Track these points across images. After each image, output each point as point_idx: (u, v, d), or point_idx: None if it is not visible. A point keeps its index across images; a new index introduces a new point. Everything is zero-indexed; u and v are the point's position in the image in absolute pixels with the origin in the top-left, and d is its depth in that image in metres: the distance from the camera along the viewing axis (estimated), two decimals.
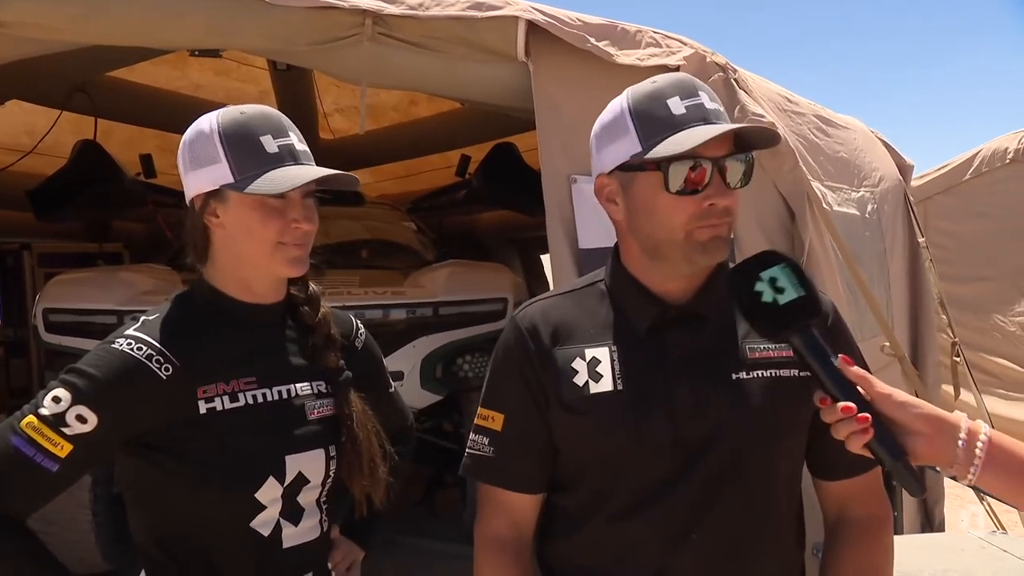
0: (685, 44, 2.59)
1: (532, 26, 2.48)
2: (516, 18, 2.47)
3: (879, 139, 3.88)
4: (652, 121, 1.17)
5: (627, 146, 1.18)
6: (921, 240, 3.80)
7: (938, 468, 0.98)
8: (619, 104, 1.22)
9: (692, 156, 1.12)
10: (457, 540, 3.89)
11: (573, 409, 1.23)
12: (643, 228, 1.20)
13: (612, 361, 1.23)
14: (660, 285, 1.22)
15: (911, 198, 3.91)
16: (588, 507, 1.26)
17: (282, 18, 2.45)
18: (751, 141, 1.19)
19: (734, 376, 1.21)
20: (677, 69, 2.50)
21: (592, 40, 2.50)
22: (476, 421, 1.31)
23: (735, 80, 2.61)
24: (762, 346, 1.22)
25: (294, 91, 5.06)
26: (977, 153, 5.54)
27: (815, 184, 2.76)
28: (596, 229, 2.49)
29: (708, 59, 2.58)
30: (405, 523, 3.97)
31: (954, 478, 0.96)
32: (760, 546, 1.22)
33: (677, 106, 1.17)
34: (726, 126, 1.14)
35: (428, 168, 5.92)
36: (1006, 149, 5.32)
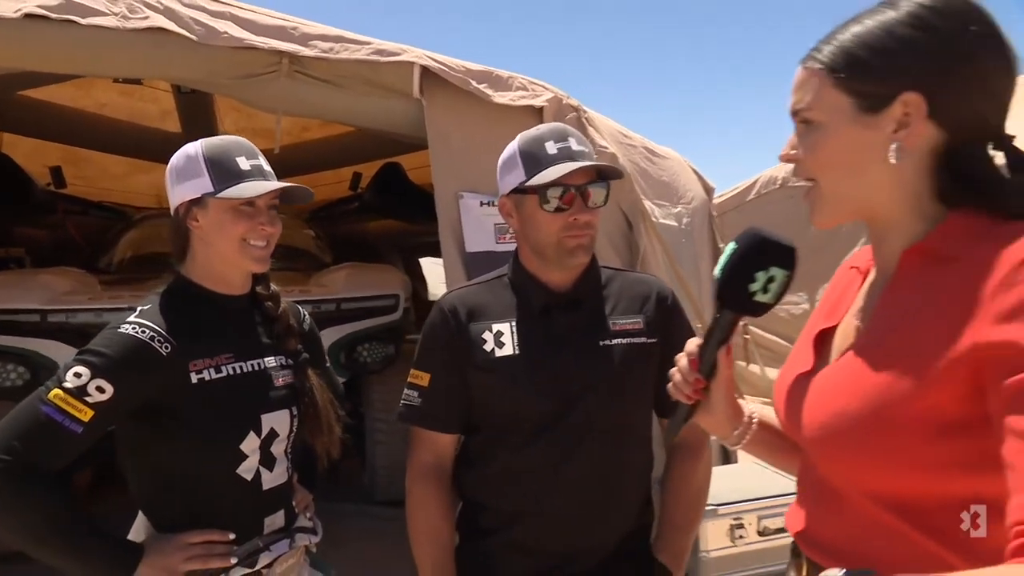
0: (547, 89, 2.72)
1: (425, 70, 2.54)
2: (412, 63, 2.52)
3: (690, 166, 4.19)
4: (533, 158, 1.32)
5: (517, 176, 1.33)
6: (721, 246, 4.13)
7: (717, 436, 1.07)
8: (513, 145, 1.37)
9: (561, 184, 1.28)
10: (357, 501, 3.92)
11: (483, 368, 1.35)
12: (530, 236, 1.36)
13: (512, 333, 1.36)
14: (547, 277, 1.37)
15: (713, 214, 4.24)
16: (491, 443, 1.38)
17: (208, 55, 2.38)
18: (606, 172, 1.34)
19: (601, 343, 1.35)
20: (541, 109, 2.67)
21: (474, 83, 2.59)
22: (408, 379, 1.42)
23: (585, 119, 2.78)
24: (622, 320, 1.38)
25: (196, 113, 4.82)
26: (757, 179, 5.96)
27: (646, 202, 2.97)
28: (479, 236, 2.66)
29: (564, 101, 2.73)
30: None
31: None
32: (619, 474, 1.36)
33: (552, 147, 1.33)
34: (583, 163, 1.29)
35: (322, 183, 5.82)
36: (776, 177, 5.78)
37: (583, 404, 1.32)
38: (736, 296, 0.92)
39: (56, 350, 3.09)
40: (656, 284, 1.48)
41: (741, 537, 2.23)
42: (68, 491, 1.21)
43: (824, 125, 0.84)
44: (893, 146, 0.80)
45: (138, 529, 1.32)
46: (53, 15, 2.23)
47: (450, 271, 2.64)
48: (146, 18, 2.33)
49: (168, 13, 2.36)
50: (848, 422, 0.80)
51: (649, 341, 1.37)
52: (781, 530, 2.26)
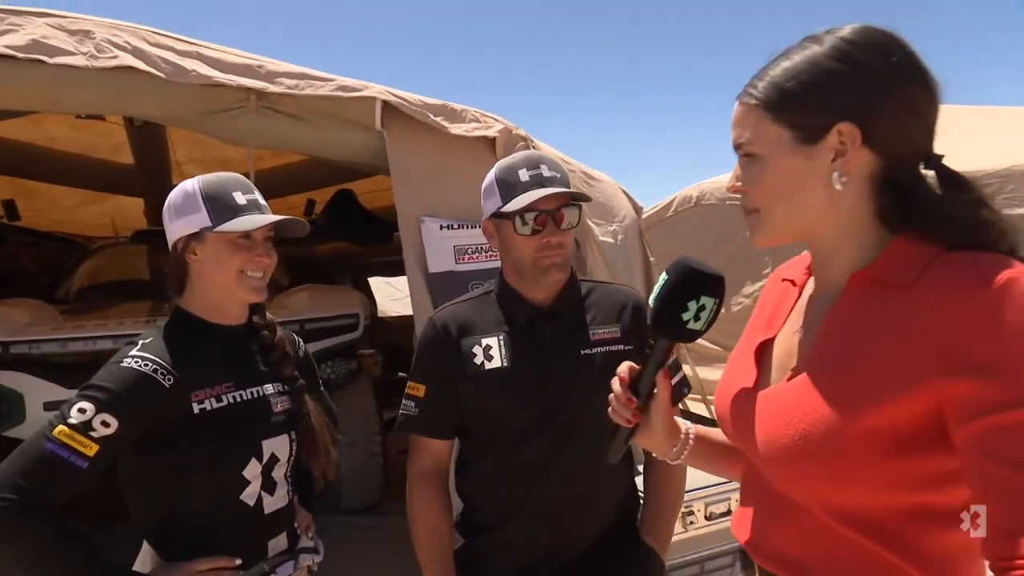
0: (498, 120, 2.81)
1: (386, 104, 2.60)
2: (374, 98, 2.58)
3: (620, 188, 4.37)
4: (508, 186, 1.38)
5: (495, 202, 1.39)
6: (652, 259, 4.33)
7: (657, 454, 1.07)
8: (491, 173, 1.43)
9: (534, 209, 1.33)
10: (324, 511, 3.90)
11: (474, 380, 1.38)
12: (509, 256, 1.41)
13: (500, 346, 1.40)
14: (529, 293, 1.42)
15: (642, 229, 4.42)
16: (483, 447, 1.42)
17: (177, 92, 2.40)
18: (575, 196, 1.38)
19: (582, 352, 1.39)
20: (494, 139, 2.77)
21: (431, 116, 2.67)
22: (406, 391, 1.46)
23: (533, 147, 2.88)
24: (601, 330, 1.42)
25: (148, 145, 4.72)
26: (675, 198, 6.15)
27: (590, 221, 3.11)
28: (440, 257, 2.72)
29: (514, 132, 2.83)
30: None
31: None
32: (603, 470, 1.34)
33: (524, 175, 1.37)
34: (552, 189, 1.33)
35: (277, 210, 5.74)
36: (691, 196, 5.99)
37: (567, 409, 1.36)
38: (670, 325, 0.92)
39: (19, 381, 3.00)
40: (632, 295, 1.51)
41: (692, 523, 2.36)
42: (73, 525, 1.17)
43: (765, 157, 0.85)
44: (835, 174, 0.81)
45: (144, 560, 1.29)
46: (20, 55, 2.22)
47: (414, 290, 2.70)
48: (115, 57, 2.34)
49: (136, 52, 2.37)
50: (806, 443, 0.79)
51: (626, 348, 1.40)
52: (724, 513, 2.40)
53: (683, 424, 1.06)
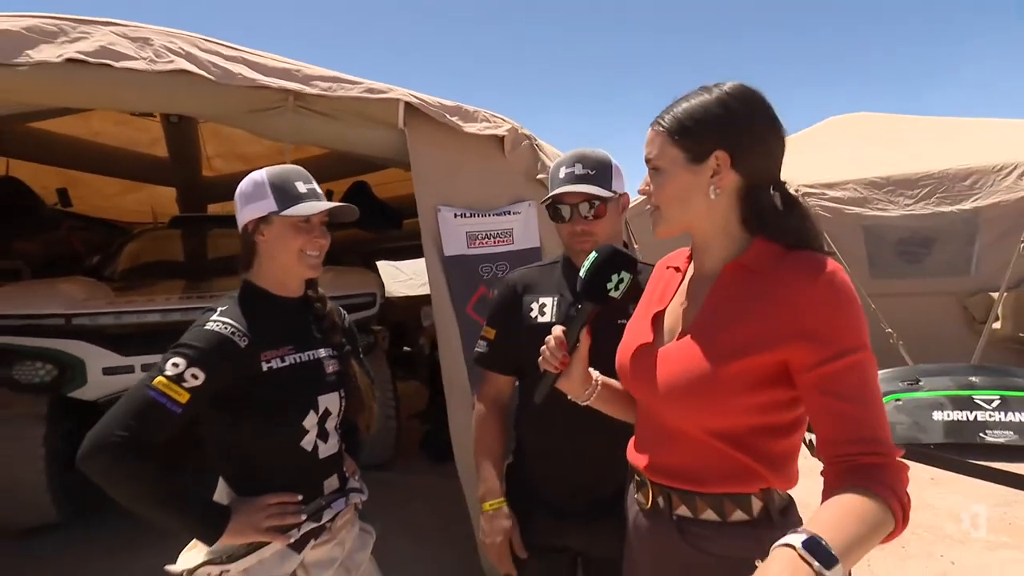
0: (506, 121, 2.93)
1: (408, 105, 2.70)
2: (398, 100, 2.67)
3: None
4: (552, 180, 1.53)
5: (546, 193, 1.54)
6: (636, 246, 4.50)
7: (571, 396, 1.23)
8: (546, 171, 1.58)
9: (563, 201, 1.47)
10: None
11: (529, 330, 1.49)
12: (560, 237, 1.57)
13: (553, 305, 1.51)
14: (579, 266, 1.51)
15: (627, 219, 4.54)
16: (531, 387, 1.46)
17: (224, 93, 2.49)
18: (597, 195, 1.46)
19: (619, 322, 1.35)
20: (503, 137, 2.90)
21: (447, 116, 2.78)
22: (481, 333, 1.61)
23: (537, 145, 3.02)
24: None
25: (181, 140, 4.88)
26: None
27: None
28: (454, 242, 2.86)
29: (520, 131, 2.96)
30: None
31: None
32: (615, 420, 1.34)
33: (562, 172, 1.49)
34: (577, 186, 1.43)
35: None
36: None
37: (602, 367, 1.36)
38: (596, 292, 1.11)
39: (80, 349, 3.14)
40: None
41: None
42: (169, 463, 1.27)
43: (665, 171, 1.05)
44: (711, 187, 1.03)
45: (220, 495, 1.38)
46: (91, 60, 2.34)
47: (431, 271, 2.82)
48: (171, 61, 2.45)
49: (189, 57, 2.48)
50: (695, 384, 1.00)
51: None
52: None
53: (594, 373, 1.25)
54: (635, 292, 1.17)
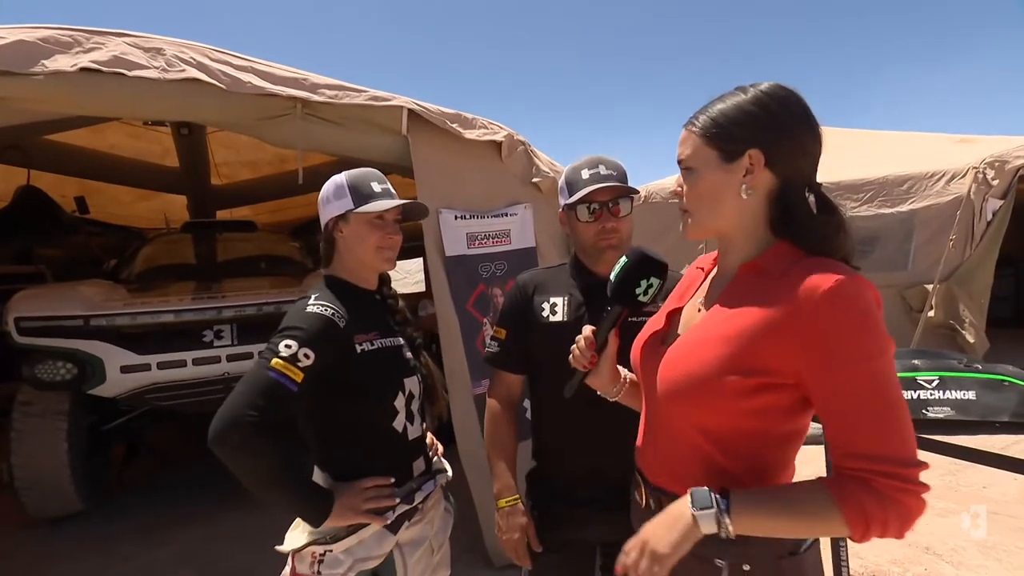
0: (503, 128, 2.84)
1: (411, 112, 2.61)
2: (401, 107, 2.58)
3: None
4: (572, 183, 1.41)
5: (564, 197, 1.43)
6: None
7: (600, 392, 1.18)
8: (563, 175, 1.45)
9: (591, 200, 1.37)
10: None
11: (541, 329, 1.42)
12: (577, 239, 1.45)
13: (565, 305, 1.42)
14: (593, 267, 1.44)
15: None
16: (546, 386, 1.44)
17: (235, 101, 2.38)
18: (626, 191, 1.40)
19: (630, 320, 1.36)
20: (500, 143, 2.81)
21: (448, 123, 2.68)
22: (492, 333, 1.49)
23: (531, 151, 2.93)
24: (651, 306, 1.36)
25: (192, 149, 4.69)
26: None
27: None
28: (455, 243, 2.74)
29: (516, 137, 2.87)
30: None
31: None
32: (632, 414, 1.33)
33: (585, 174, 1.40)
34: (603, 184, 1.36)
35: (303, 204, 5.74)
36: (640, 195, 6.21)
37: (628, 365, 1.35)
38: (625, 296, 1.05)
39: (99, 348, 2.97)
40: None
41: None
42: (286, 445, 1.19)
43: (697, 170, 0.95)
44: (743, 186, 0.92)
45: (315, 480, 1.32)
46: (105, 69, 2.19)
47: (433, 270, 2.71)
48: (183, 71, 2.31)
49: (200, 67, 2.35)
50: (686, 376, 0.91)
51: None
52: None
53: (622, 371, 1.19)
54: (665, 297, 1.10)
